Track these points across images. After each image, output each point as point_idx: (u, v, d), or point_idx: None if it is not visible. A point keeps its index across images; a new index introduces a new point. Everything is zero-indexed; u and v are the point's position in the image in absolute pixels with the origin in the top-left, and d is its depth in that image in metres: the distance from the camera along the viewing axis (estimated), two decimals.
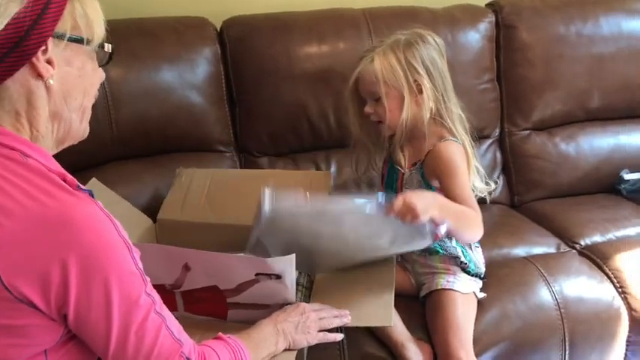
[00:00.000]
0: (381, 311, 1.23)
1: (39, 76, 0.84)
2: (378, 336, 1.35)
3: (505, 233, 1.73)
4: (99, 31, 0.90)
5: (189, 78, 1.74)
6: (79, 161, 1.55)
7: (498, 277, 1.49)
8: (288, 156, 1.87)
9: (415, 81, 1.36)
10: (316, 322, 1.17)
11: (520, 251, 1.67)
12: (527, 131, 1.99)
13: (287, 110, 1.80)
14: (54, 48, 0.84)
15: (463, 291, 1.38)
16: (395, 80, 1.36)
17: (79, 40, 0.87)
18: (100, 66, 0.94)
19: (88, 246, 0.80)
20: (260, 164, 1.84)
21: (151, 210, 1.58)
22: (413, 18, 1.86)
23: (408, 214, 1.17)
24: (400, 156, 1.44)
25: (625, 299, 1.52)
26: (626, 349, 1.52)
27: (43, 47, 0.83)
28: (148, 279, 0.88)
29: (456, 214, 1.26)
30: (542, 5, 1.97)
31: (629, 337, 1.51)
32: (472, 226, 1.31)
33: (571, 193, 1.98)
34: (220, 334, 1.04)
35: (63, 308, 0.81)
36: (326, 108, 1.81)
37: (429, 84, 1.37)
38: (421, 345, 1.35)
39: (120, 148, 1.70)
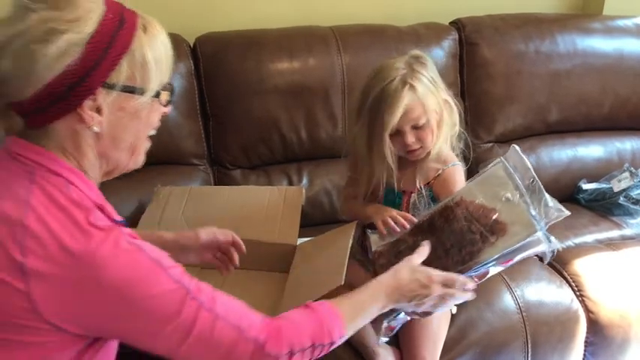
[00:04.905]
0: (332, 275, 1.22)
1: (84, 122, 0.84)
2: (349, 341, 1.35)
3: None
4: (157, 79, 0.88)
5: None
6: None
7: None
8: (260, 168, 1.89)
9: (444, 99, 1.34)
10: (436, 300, 1.07)
11: None
12: (490, 144, 2.05)
13: (259, 124, 1.83)
14: (105, 97, 0.84)
15: None
16: (435, 102, 1.31)
17: (131, 91, 0.86)
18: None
19: (115, 281, 0.80)
20: (233, 177, 1.87)
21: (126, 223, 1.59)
22: (380, 35, 1.92)
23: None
24: (417, 178, 1.38)
25: (582, 302, 1.58)
26: (585, 350, 1.57)
27: (92, 96, 0.83)
28: (194, 281, 0.88)
29: None
30: (503, 24, 2.04)
31: (587, 337, 1.56)
32: None
33: None
34: (309, 302, 1.00)
35: (102, 334, 0.86)
36: (297, 121, 1.85)
37: (450, 98, 1.36)
38: (392, 351, 1.37)
39: None
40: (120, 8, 0.86)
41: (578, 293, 1.60)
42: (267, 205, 1.54)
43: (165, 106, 0.94)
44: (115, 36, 0.83)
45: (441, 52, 1.97)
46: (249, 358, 0.89)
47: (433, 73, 1.33)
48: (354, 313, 1.01)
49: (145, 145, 0.95)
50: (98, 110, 0.84)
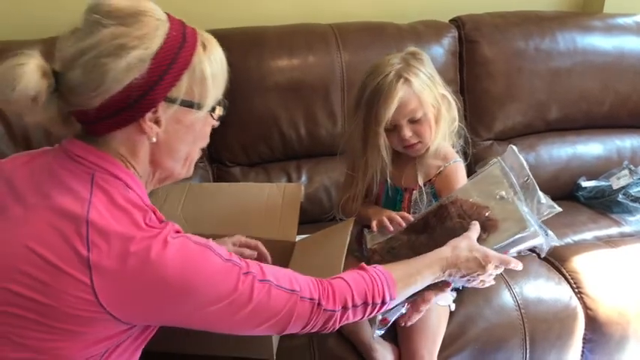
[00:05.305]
0: (330, 271, 1.20)
1: (144, 133, 0.88)
2: (347, 337, 1.37)
3: None
4: (213, 95, 0.92)
5: None
6: None
7: None
8: (260, 166, 1.90)
9: (441, 93, 1.35)
10: (485, 277, 1.12)
11: None
12: (490, 141, 2.06)
13: (259, 121, 1.83)
14: (165, 109, 0.87)
15: (440, 303, 1.37)
16: (432, 97, 1.32)
17: (190, 105, 0.89)
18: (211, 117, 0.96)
19: (173, 276, 0.83)
20: (232, 174, 1.87)
21: None
22: (379, 33, 1.92)
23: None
24: (419, 175, 1.39)
25: (581, 299, 1.58)
26: (583, 347, 1.57)
27: (154, 109, 0.86)
28: (241, 258, 0.92)
29: None
30: (503, 21, 2.04)
31: (585, 334, 1.56)
32: None
33: None
34: (363, 264, 1.06)
35: (161, 323, 0.91)
36: (296, 119, 1.85)
37: (449, 94, 1.37)
38: (389, 347, 1.37)
39: None
40: (182, 26, 0.90)
41: (576, 290, 1.59)
42: (266, 201, 1.54)
43: (216, 120, 0.97)
44: (178, 53, 0.86)
45: (441, 49, 1.97)
46: (309, 316, 0.95)
47: (430, 68, 1.34)
48: (408, 279, 1.06)
49: (197, 156, 0.99)
50: (157, 122, 0.88)
